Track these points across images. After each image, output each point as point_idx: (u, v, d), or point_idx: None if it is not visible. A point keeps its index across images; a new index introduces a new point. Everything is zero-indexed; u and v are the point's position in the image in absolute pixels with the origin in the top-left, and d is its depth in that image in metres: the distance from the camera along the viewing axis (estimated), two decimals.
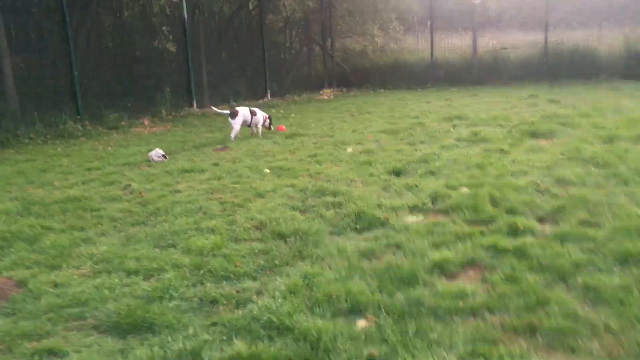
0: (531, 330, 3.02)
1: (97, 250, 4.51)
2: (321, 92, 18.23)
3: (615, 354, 2.77)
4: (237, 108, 9.94)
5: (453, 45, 19.58)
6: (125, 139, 10.58)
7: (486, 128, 8.90)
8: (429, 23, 19.56)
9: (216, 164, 7.65)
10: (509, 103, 12.30)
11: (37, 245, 4.68)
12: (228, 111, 9.98)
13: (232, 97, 15.42)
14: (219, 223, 5.01)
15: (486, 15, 22.32)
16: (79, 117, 11.67)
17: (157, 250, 4.46)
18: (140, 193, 6.25)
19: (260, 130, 10.08)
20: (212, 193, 6.12)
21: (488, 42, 19.25)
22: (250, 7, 17.95)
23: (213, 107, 10.77)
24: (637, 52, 16.27)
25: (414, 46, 20.28)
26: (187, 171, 7.29)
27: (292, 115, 12.93)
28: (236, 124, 9.65)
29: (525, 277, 3.59)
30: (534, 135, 8.13)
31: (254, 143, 9.26)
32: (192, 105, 14.40)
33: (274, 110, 14.11)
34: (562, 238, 4.19)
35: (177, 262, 4.13)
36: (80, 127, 11.32)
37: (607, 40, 17.56)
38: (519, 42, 18.76)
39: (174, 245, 4.54)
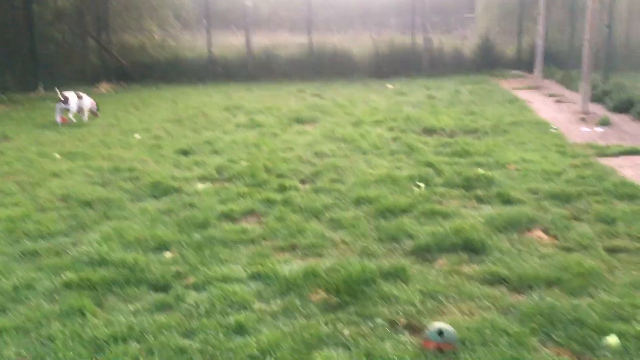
0: (293, 248, 4.23)
1: None
2: (98, 86, 18.00)
3: (348, 255, 4.09)
4: (65, 93, 10.22)
5: (229, 43, 20.81)
6: None
7: (261, 116, 10.19)
8: (204, 21, 20.49)
9: (1, 153, 7.67)
10: (280, 96, 13.87)
11: None
12: (62, 97, 10.13)
13: (3, 88, 14.58)
14: (20, 199, 5.41)
15: (259, 15, 24.12)
16: None
17: None
18: None
19: (86, 114, 10.42)
20: (5, 177, 6.33)
21: (260, 41, 20.88)
22: None
23: (57, 90, 10.56)
24: (382, 54, 19.24)
25: (192, 43, 21.04)
26: None
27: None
28: (72, 106, 10.09)
29: (290, 217, 4.82)
30: (299, 121, 9.64)
31: (36, 133, 9.29)
32: None
33: (50, 103, 13.80)
34: (317, 191, 5.55)
35: None
36: None
37: (360, 43, 20.39)
38: (288, 42, 20.73)
39: None
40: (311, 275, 3.60)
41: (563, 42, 16.52)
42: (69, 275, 3.62)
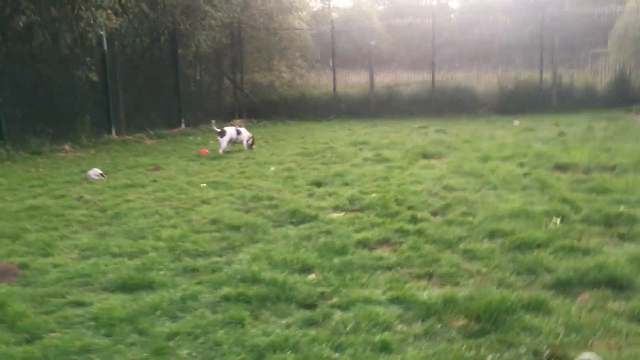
0: (429, 276, 4.36)
1: (79, 242, 5.37)
2: (232, 122, 19.30)
3: (484, 285, 4.14)
4: (225, 128, 11.89)
5: (353, 81, 21.55)
6: (54, 163, 11.08)
7: (386, 151, 10.46)
8: (331, 61, 21.38)
9: (155, 181, 8.54)
10: (403, 132, 14.09)
11: (20, 241, 5.43)
12: (218, 130, 11.82)
13: (147, 126, 16.14)
14: (177, 221, 6.01)
15: (381, 55, 24.75)
16: (1, 141, 11.98)
17: (131, 241, 5.38)
18: (95, 202, 7.06)
19: (245, 147, 11.85)
20: (161, 202, 7.06)
21: (383, 79, 21.39)
22: (162, 40, 18.83)
23: (213, 122, 12.71)
24: (508, 90, 18.90)
25: (318, 82, 22.02)
26: (129, 186, 8.13)
27: (211, 141, 13.90)
28: (224, 141, 11.56)
29: (424, 247, 4.96)
30: (425, 156, 9.78)
31: (182, 165, 10.21)
32: (110, 132, 14.98)
33: (192, 138, 15.06)
34: (449, 223, 5.64)
35: (154, 246, 5.11)
36: (4, 152, 11.64)
37: (484, 80, 20.21)
38: (410, 80, 21.05)
39: (144, 237, 5.49)
40: (450, 302, 3.71)
41: None
42: (227, 290, 4.01)
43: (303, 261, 4.60)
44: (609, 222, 5.42)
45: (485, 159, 9.14)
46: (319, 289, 4.06)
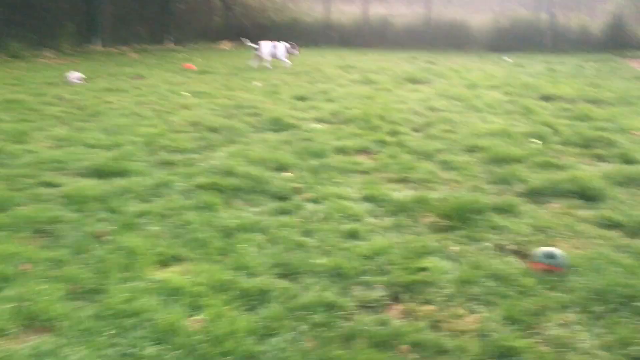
0: (404, 180, 4.38)
1: (54, 133, 5.30)
2: (220, 42, 18.87)
3: (456, 190, 4.17)
4: (260, 42, 11.80)
5: (347, 10, 20.99)
6: (34, 66, 10.82)
7: (374, 75, 10.32)
8: None
9: (137, 88, 8.39)
10: (393, 61, 13.87)
11: None
12: (255, 45, 11.84)
13: (133, 40, 15.72)
14: (157, 121, 5.95)
15: None
16: None
17: (108, 135, 5.32)
18: (74, 102, 6.93)
19: (285, 59, 11.76)
20: (141, 104, 6.95)
21: (378, 10, 20.87)
22: None
23: (243, 39, 13.15)
24: (502, 28, 18.58)
25: (311, 8, 21.45)
26: (110, 90, 7.99)
27: (198, 58, 13.61)
28: (265, 53, 11.56)
29: (401, 156, 4.96)
30: (413, 81, 9.67)
31: (166, 76, 10.01)
32: (94, 42, 14.57)
33: (177, 54, 14.71)
34: (429, 137, 5.63)
35: (131, 140, 5.07)
36: None
37: (480, 16, 19.80)
38: (405, 12, 20.56)
39: (121, 134, 5.42)
40: (422, 201, 3.75)
41: None
42: (201, 180, 4.01)
43: (280, 160, 4.59)
44: (587, 144, 5.45)
45: (472, 86, 9.06)
46: (293, 185, 4.07)
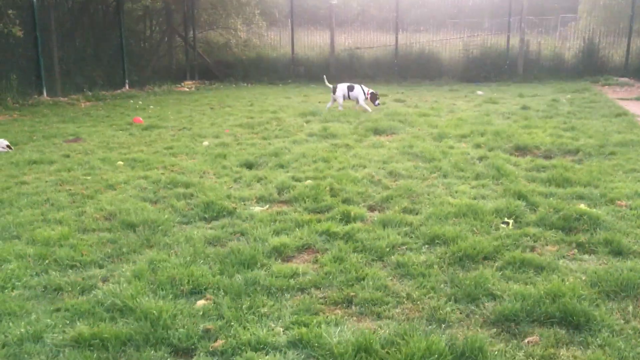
0: (348, 302, 3.54)
1: None
2: (182, 83, 18.09)
3: (412, 317, 3.35)
4: (338, 85, 11.35)
5: (313, 42, 20.36)
6: None
7: (336, 124, 9.56)
8: (289, 20, 20.12)
9: (67, 156, 7.52)
10: None
11: None
12: (331, 86, 11.59)
13: (86, 86, 14.86)
14: (67, 214, 5.06)
15: (347, 14, 23.41)
16: None
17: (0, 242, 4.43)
18: None
19: (364, 104, 11.14)
20: (61, 185, 6.07)
21: (346, 40, 20.24)
22: None
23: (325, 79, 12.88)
24: (473, 57, 18.04)
25: (277, 42, 20.79)
26: (34, 162, 7.10)
27: (151, 106, 12.80)
28: (338, 97, 11.18)
29: (350, 257, 4.12)
30: (376, 131, 8.91)
31: (108, 135, 9.15)
32: (42, 93, 13.68)
33: (132, 101, 13.87)
34: (385, 223, 4.81)
35: (21, 252, 4.16)
36: None
37: (450, 45, 19.27)
38: (373, 42, 19.96)
39: (18, 237, 4.54)
40: (364, 352, 2.90)
41: None
42: (82, 328, 3.12)
43: (197, 278, 3.72)
44: (567, 226, 4.67)
45: (440, 137, 8.32)
46: (204, 325, 3.20)
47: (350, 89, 11.17)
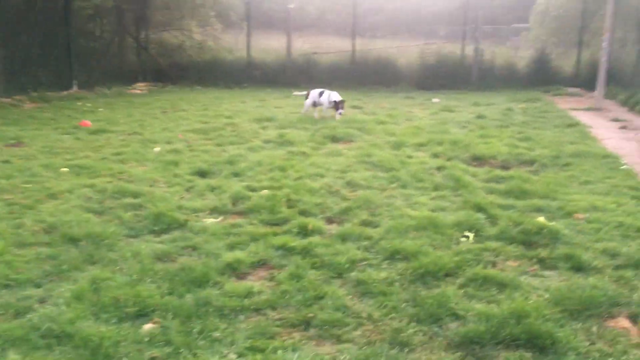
0: (306, 324, 3.35)
1: None
2: (134, 86, 17.54)
3: (373, 339, 3.19)
4: (318, 90, 11.11)
5: (270, 46, 20.09)
6: None
7: (293, 131, 9.36)
8: (246, 23, 19.81)
9: (6, 161, 7.07)
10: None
11: None
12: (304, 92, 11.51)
13: (31, 86, 14.20)
14: (3, 226, 4.69)
15: (304, 18, 23.24)
16: None
17: None
18: None
19: (323, 110, 11.01)
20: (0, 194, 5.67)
21: (303, 45, 20.04)
22: None
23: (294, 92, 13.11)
24: (429, 65, 18.15)
25: (233, 45, 20.41)
26: None
27: (100, 109, 12.29)
28: (324, 102, 10.88)
29: (308, 274, 3.94)
30: (334, 139, 8.76)
31: (52, 139, 8.69)
32: None
33: (80, 103, 13.32)
34: (344, 237, 4.64)
35: None
36: None
37: (407, 52, 19.33)
38: (330, 47, 19.83)
39: None
40: None
41: (629, 60, 15.09)
42: (12, 358, 2.82)
43: (143, 300, 3.46)
44: (527, 240, 4.61)
45: (398, 146, 8.23)
46: (150, 352, 2.95)
47: (320, 94, 11.02)
